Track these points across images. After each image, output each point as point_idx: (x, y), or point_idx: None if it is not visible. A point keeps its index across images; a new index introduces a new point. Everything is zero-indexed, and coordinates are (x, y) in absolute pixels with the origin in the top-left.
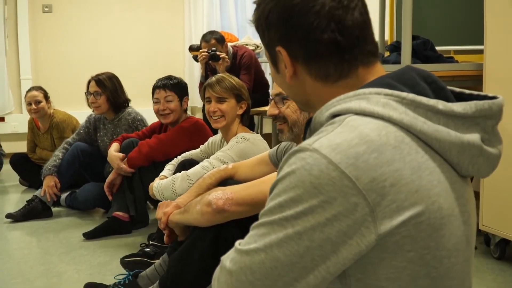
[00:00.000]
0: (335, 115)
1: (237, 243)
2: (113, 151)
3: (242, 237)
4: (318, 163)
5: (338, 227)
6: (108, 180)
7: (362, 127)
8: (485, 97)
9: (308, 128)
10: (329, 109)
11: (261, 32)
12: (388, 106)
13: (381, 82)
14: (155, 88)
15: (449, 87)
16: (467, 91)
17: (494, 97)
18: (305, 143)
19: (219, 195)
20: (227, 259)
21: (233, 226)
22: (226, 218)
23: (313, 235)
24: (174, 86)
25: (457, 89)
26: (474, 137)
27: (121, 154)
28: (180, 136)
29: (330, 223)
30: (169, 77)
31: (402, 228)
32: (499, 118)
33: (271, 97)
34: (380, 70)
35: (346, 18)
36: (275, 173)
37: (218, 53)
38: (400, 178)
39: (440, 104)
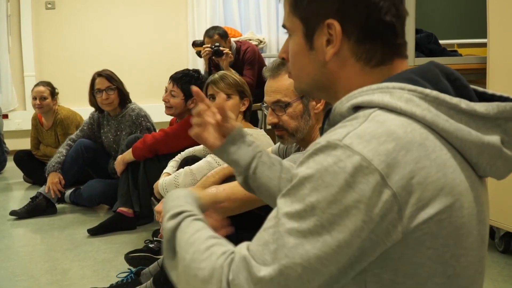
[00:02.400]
0: (356, 107)
1: (258, 258)
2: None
3: (235, 233)
4: (352, 160)
5: (372, 228)
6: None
7: (389, 123)
8: (508, 99)
9: (327, 119)
10: (350, 100)
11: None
12: (411, 102)
13: (404, 77)
14: (170, 77)
15: (472, 86)
16: (489, 91)
17: None
18: (334, 138)
19: (213, 191)
20: (259, 270)
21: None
22: (219, 214)
23: (351, 242)
24: (183, 83)
25: (480, 89)
26: (494, 138)
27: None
28: (185, 130)
29: (366, 226)
30: (186, 73)
31: (425, 225)
32: None
33: (265, 104)
34: (407, 65)
35: (401, 7)
36: None
37: (221, 48)
38: (427, 176)
39: (463, 103)
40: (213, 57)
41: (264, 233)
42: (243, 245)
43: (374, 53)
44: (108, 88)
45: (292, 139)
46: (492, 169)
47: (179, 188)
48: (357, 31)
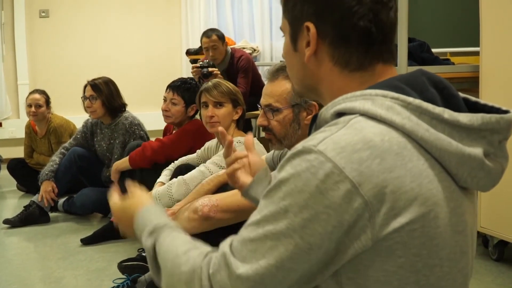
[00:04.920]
0: (339, 113)
1: (237, 254)
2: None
3: None
4: (324, 166)
5: (342, 233)
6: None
7: (366, 131)
8: (499, 110)
9: (313, 125)
10: (334, 106)
11: (291, 3)
12: (392, 109)
13: (389, 84)
14: (167, 86)
15: (464, 95)
16: (482, 101)
17: (507, 111)
18: (310, 144)
19: (205, 201)
20: (238, 267)
21: (220, 234)
22: (212, 225)
23: (322, 244)
24: (183, 91)
25: (473, 98)
26: (477, 150)
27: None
28: (183, 138)
29: (336, 231)
30: (185, 81)
31: (396, 234)
32: (508, 133)
33: (259, 105)
34: (394, 71)
35: (382, 13)
36: None
37: (210, 69)
38: (401, 186)
39: (446, 113)
40: (202, 78)
41: (245, 231)
42: (227, 241)
43: (350, 57)
44: (91, 96)
45: (279, 145)
46: (474, 181)
47: (145, 206)
48: (331, 34)
